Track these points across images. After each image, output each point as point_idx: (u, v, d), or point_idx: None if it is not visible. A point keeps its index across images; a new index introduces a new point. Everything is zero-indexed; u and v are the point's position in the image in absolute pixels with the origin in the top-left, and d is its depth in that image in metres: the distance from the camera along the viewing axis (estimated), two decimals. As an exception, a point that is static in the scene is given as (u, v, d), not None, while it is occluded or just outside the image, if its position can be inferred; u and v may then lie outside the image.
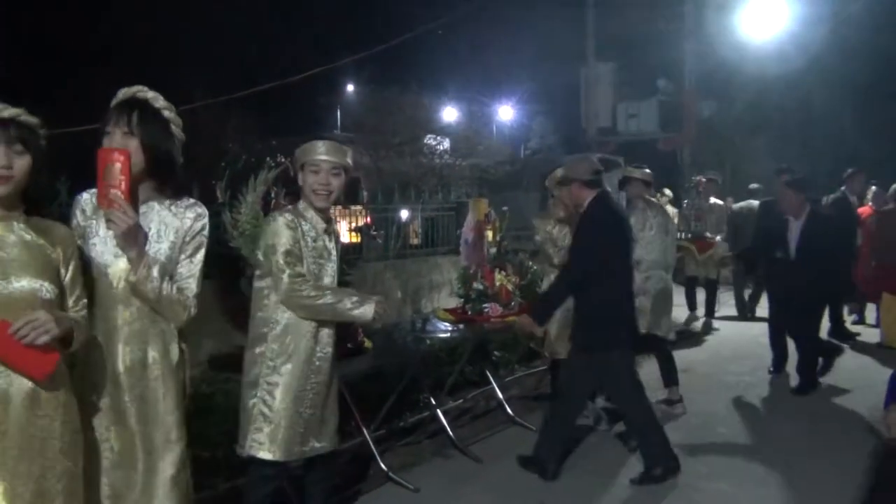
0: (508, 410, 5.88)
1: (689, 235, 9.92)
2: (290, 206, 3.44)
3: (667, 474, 4.68)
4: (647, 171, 6.32)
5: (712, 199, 10.09)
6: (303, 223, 3.31)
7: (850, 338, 8.72)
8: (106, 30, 18.23)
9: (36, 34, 17.69)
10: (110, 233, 2.52)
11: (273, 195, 4.16)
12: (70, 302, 2.42)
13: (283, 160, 4.81)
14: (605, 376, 4.80)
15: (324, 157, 3.32)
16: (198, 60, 17.51)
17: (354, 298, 3.31)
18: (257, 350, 3.32)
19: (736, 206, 10.34)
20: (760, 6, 16.15)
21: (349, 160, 3.41)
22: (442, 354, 6.08)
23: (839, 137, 17.04)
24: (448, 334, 5.38)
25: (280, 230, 3.23)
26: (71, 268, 2.44)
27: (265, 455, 3.31)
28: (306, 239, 3.30)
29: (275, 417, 3.29)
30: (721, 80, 18.57)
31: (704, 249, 9.64)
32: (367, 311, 3.29)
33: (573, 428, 4.98)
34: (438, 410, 5.31)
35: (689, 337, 9.17)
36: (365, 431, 4.66)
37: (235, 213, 4.05)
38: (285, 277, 3.20)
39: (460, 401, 6.08)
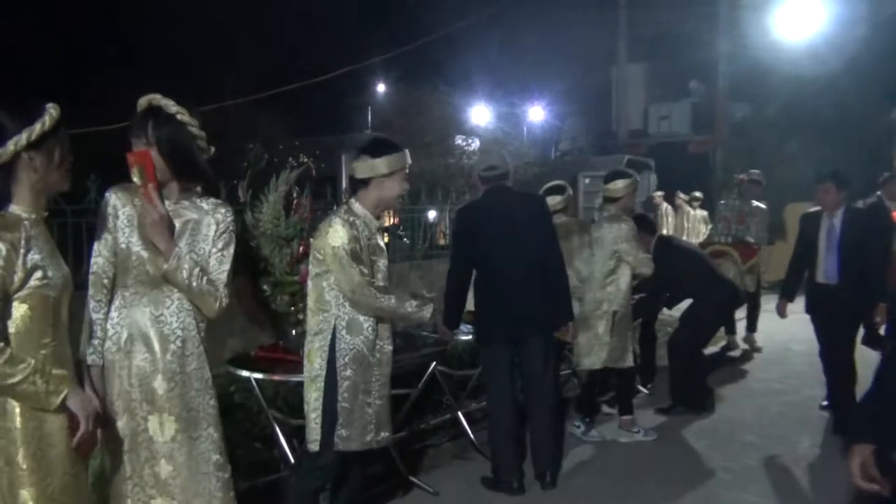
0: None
1: (730, 239, 8.74)
2: (342, 208, 3.52)
3: (504, 486, 4.52)
4: (615, 185, 5.56)
5: (754, 203, 9.03)
6: (359, 223, 3.41)
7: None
8: (136, 30, 18.48)
9: (67, 35, 17.99)
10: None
11: (294, 195, 4.18)
12: None
13: (304, 160, 4.85)
14: (484, 367, 4.80)
15: (409, 163, 3.55)
16: (228, 61, 17.67)
17: (415, 301, 3.48)
18: (318, 345, 3.41)
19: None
20: (795, 7, 15.89)
21: None
22: (465, 356, 6.05)
23: (875, 141, 16.73)
24: (470, 336, 5.34)
25: (343, 232, 3.34)
26: None
27: (340, 447, 3.38)
28: (362, 238, 3.40)
29: (343, 410, 3.37)
30: (754, 82, 18.33)
31: (748, 257, 8.41)
32: (426, 311, 3.51)
33: (511, 429, 4.66)
34: (459, 413, 5.29)
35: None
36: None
37: (257, 212, 4.08)
38: (354, 278, 3.30)
39: (483, 403, 6.03)
